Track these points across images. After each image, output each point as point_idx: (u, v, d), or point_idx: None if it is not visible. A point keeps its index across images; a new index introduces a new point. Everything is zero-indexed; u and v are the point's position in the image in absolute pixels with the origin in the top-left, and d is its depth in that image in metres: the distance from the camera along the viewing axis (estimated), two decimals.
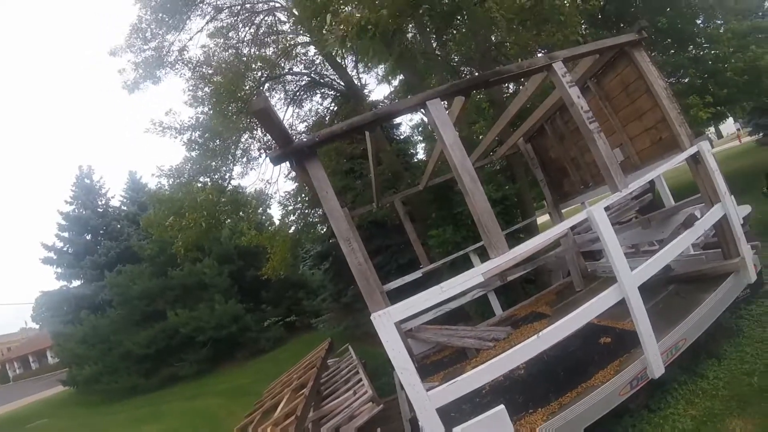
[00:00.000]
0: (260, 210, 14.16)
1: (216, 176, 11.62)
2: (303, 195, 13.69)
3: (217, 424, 11.97)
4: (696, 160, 4.69)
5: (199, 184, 11.30)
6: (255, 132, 11.91)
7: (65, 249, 27.52)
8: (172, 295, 21.38)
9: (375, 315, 3.34)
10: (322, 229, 15.40)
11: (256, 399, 12.38)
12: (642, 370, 3.94)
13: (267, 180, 13.33)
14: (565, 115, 7.09)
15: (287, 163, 4.16)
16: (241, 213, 12.84)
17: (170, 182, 11.50)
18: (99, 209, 28.45)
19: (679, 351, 4.15)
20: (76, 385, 22.88)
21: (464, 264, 7.90)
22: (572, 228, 6.84)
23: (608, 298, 3.88)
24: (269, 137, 11.68)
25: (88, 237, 27.70)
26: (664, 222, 5.99)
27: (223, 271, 22.27)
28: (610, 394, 3.82)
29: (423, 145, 15.80)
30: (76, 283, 27.37)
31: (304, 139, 3.53)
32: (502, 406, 3.51)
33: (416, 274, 8.13)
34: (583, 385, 4.08)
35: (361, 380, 6.43)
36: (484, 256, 7.70)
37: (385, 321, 3.33)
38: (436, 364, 6.41)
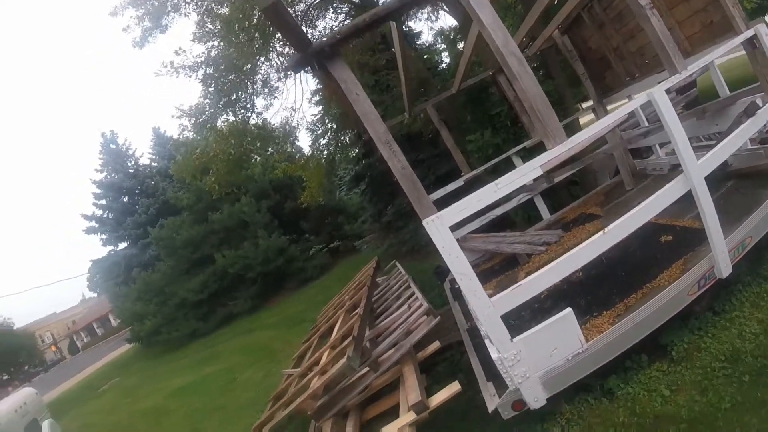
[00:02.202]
0: (289, 141, 13.75)
1: (237, 107, 11.15)
2: (330, 117, 13.21)
3: (274, 355, 12.40)
4: (753, 44, 4.19)
5: (221, 121, 10.98)
6: (271, 55, 11.25)
7: (105, 215, 28.34)
8: (216, 238, 21.70)
9: (427, 220, 3.08)
10: (353, 152, 14.94)
11: (310, 326, 12.58)
12: (709, 268, 3.67)
13: (291, 107, 12.83)
14: (603, 1, 6.37)
15: (309, 71, 3.79)
16: (270, 149, 12.54)
17: (191, 121, 11.12)
18: (130, 170, 28.96)
19: (745, 250, 3.87)
20: (140, 341, 24.21)
21: (506, 169, 7.48)
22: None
23: (674, 190, 3.54)
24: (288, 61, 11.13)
25: (125, 199, 28.44)
26: (720, 113, 5.45)
27: (261, 208, 22.29)
28: (678, 294, 3.59)
29: (446, 53, 14.87)
30: (123, 245, 28.50)
31: (324, 39, 3.15)
32: (569, 309, 3.33)
33: (458, 183, 7.73)
34: (648, 286, 3.87)
35: (413, 294, 6.31)
36: (527, 158, 7.32)
37: (439, 226, 3.06)
38: (487, 273, 6.17)
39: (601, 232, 3.35)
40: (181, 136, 11.86)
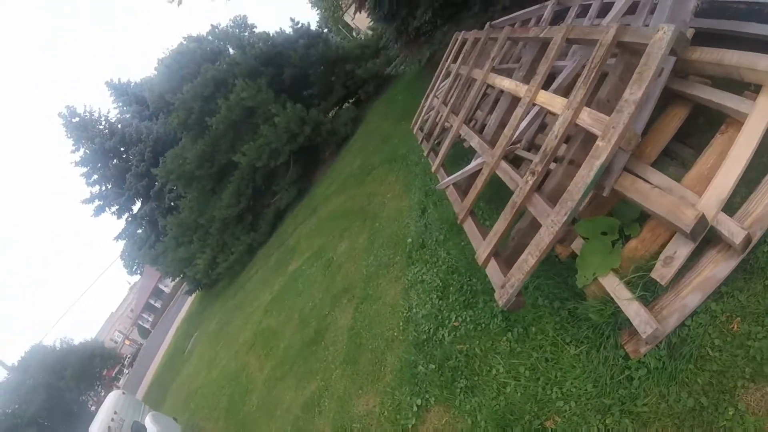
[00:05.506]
0: None
1: None
2: None
3: (365, 215, 9.47)
4: None
5: None
6: None
7: (103, 188, 26.08)
8: (226, 141, 18.32)
9: None
10: None
11: (379, 175, 10.29)
12: None
13: None
14: None
15: None
16: None
17: None
18: (105, 131, 25.84)
19: None
20: (200, 286, 22.60)
21: None
22: None
23: None
24: None
25: (115, 161, 25.82)
26: None
27: (260, 86, 18.20)
28: None
29: None
30: (137, 207, 26.65)
31: None
32: None
33: None
34: None
35: None
36: None
37: None
38: None
39: None
40: None
